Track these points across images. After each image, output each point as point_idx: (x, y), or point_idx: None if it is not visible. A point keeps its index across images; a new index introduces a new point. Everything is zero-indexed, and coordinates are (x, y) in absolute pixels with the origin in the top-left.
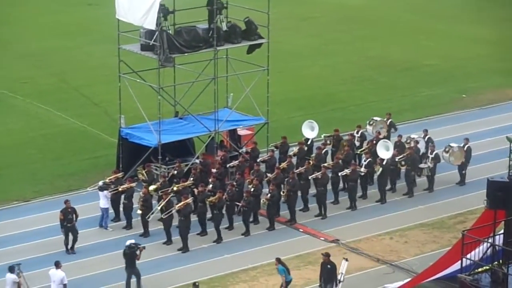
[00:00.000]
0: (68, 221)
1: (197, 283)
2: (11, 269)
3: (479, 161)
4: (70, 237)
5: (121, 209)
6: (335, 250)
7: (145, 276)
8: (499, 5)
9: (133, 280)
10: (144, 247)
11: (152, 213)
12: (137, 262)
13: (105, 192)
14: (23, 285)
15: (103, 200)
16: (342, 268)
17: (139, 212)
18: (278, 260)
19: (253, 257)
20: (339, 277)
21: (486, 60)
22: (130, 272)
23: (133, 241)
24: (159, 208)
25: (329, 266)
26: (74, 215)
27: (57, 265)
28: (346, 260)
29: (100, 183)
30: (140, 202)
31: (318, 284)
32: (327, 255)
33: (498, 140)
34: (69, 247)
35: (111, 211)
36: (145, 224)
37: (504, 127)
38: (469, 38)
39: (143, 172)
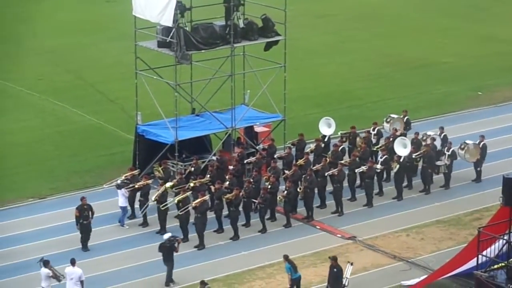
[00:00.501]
0: (84, 218)
1: (205, 281)
2: (45, 264)
3: (494, 158)
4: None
5: (137, 206)
6: (352, 247)
7: (162, 274)
8: (510, 3)
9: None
10: (182, 239)
11: (166, 205)
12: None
13: (123, 190)
14: (60, 276)
15: (121, 199)
16: (347, 272)
17: (153, 201)
18: (286, 258)
19: (270, 254)
20: (344, 281)
21: (501, 57)
22: (165, 264)
23: (170, 234)
24: (176, 201)
25: (335, 269)
26: (90, 212)
27: (73, 262)
28: (351, 264)
29: (118, 181)
30: (157, 197)
31: (325, 285)
32: (334, 258)
33: None
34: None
35: (129, 208)
36: (162, 221)
37: None
38: (483, 36)
39: (160, 169)
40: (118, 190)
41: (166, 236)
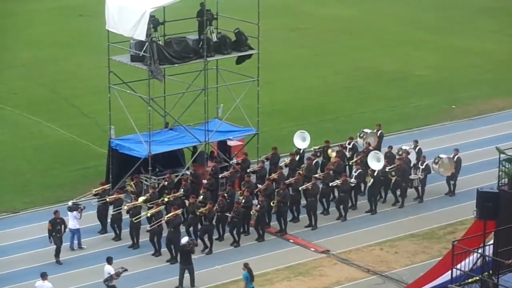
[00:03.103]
0: (57, 232)
1: None
2: (109, 260)
3: (469, 172)
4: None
5: (108, 220)
6: (326, 261)
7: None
8: (486, 17)
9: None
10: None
11: (139, 218)
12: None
13: (75, 212)
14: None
15: (73, 221)
16: None
17: (126, 208)
18: (245, 265)
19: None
20: None
21: (475, 71)
22: (185, 268)
23: (187, 238)
24: (149, 214)
25: None
26: (62, 226)
27: (43, 276)
28: None
29: (70, 203)
30: (129, 209)
31: None
32: None
33: (488, 150)
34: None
35: (97, 223)
36: (135, 236)
37: (493, 137)
38: (457, 49)
39: (132, 183)
40: (69, 213)
41: (185, 240)
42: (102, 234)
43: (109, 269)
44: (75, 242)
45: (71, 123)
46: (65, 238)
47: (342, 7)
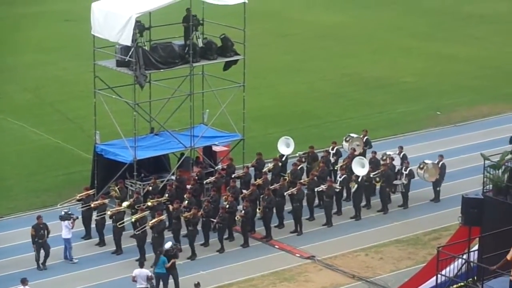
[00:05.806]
0: (40, 237)
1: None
2: (141, 264)
3: (453, 178)
4: (42, 253)
5: (93, 226)
6: (311, 267)
7: None
8: (472, 24)
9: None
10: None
11: (123, 223)
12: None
13: (66, 222)
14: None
15: (65, 231)
16: None
17: (109, 213)
18: (161, 252)
19: (229, 274)
20: None
21: (460, 77)
22: (170, 273)
23: (171, 242)
24: (133, 220)
25: None
26: (46, 231)
27: (24, 282)
28: None
29: (62, 212)
30: (112, 214)
31: None
32: None
33: (472, 157)
34: (40, 262)
35: (80, 229)
36: (118, 241)
37: (478, 144)
38: (443, 56)
39: (116, 189)
40: (62, 222)
41: (168, 244)
42: (86, 239)
43: (147, 272)
44: (66, 253)
45: (56, 128)
46: (51, 243)
47: (329, 14)
